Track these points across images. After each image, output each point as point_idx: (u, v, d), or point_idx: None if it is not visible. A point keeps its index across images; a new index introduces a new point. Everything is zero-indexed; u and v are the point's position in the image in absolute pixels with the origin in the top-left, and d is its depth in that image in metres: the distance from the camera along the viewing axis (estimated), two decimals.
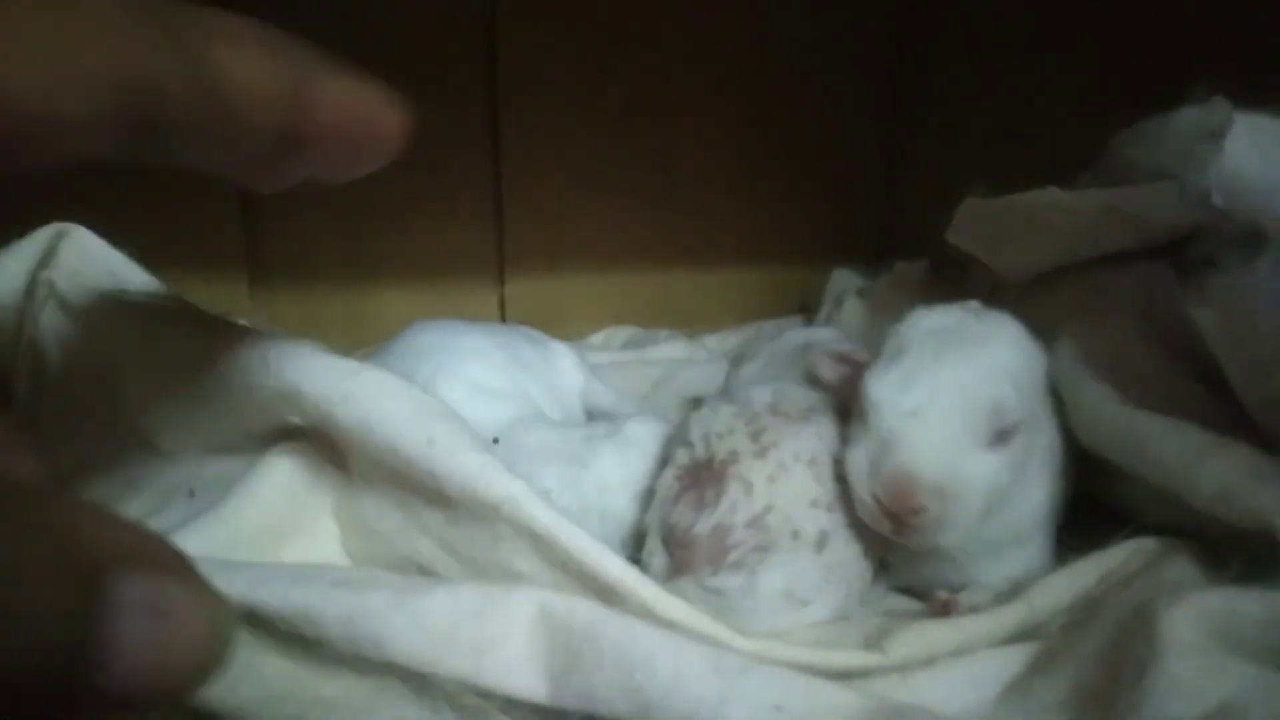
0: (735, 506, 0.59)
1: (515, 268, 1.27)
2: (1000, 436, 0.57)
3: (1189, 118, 0.66)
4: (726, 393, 0.76)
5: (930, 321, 0.62)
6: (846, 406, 0.65)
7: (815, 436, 0.62)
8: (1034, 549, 0.64)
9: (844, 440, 0.62)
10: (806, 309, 1.33)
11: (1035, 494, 0.62)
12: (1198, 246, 0.72)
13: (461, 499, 0.52)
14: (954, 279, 0.96)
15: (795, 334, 0.88)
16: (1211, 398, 0.67)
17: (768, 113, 1.34)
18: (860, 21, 1.36)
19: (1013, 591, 0.63)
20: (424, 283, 1.23)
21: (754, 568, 0.58)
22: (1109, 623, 0.52)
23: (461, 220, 1.25)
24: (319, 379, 0.54)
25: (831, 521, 0.59)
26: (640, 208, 1.30)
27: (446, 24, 1.19)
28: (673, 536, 0.61)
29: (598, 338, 1.28)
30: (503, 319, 1.28)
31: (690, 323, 1.32)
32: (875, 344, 1.00)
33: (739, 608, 0.58)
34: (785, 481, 0.59)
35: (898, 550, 0.62)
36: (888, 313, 1.00)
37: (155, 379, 0.60)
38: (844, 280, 1.22)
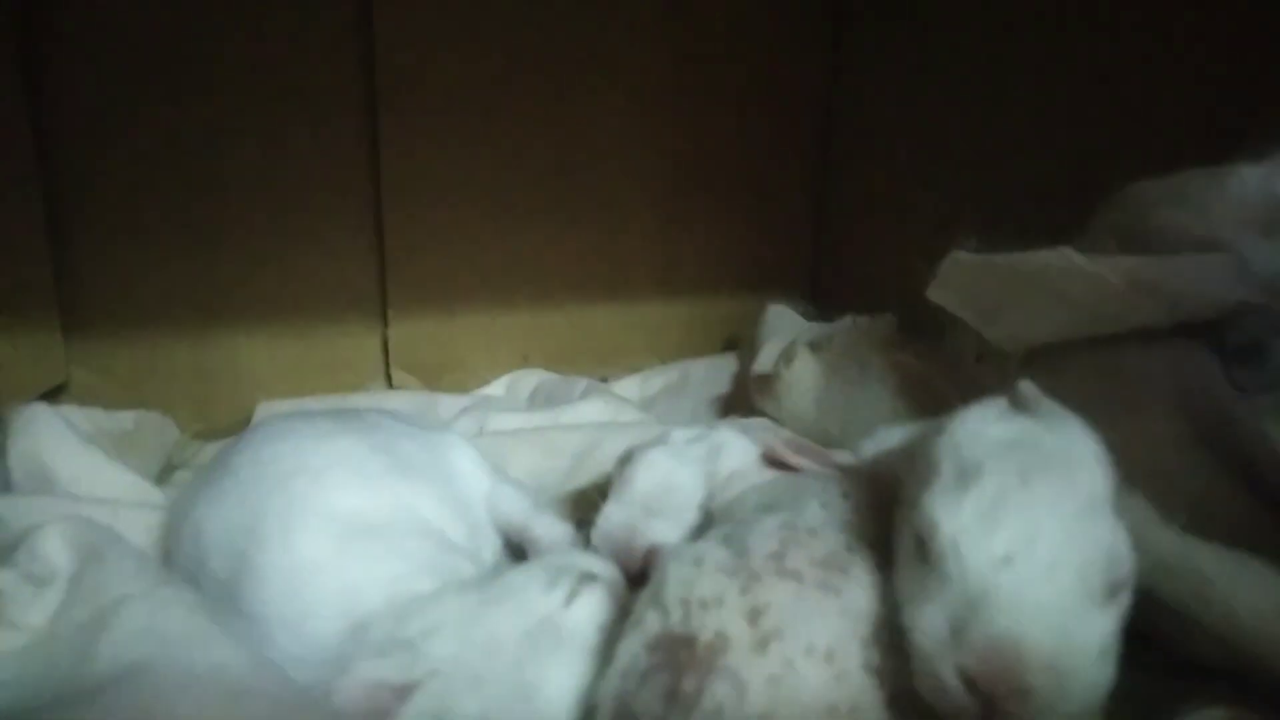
0: (720, 711, 0.45)
1: (400, 305, 1.11)
2: (1113, 589, 0.46)
3: (1251, 181, 0.56)
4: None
5: (996, 431, 0.50)
6: (883, 535, 0.52)
7: (838, 615, 0.49)
8: None
9: (898, 594, 0.49)
10: (735, 344, 1.21)
11: (1113, 659, 0.51)
12: (1242, 329, 0.62)
13: None
14: (929, 339, 0.84)
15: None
16: (1272, 523, 0.57)
17: (691, 129, 1.22)
18: (795, 45, 1.25)
19: None
20: (289, 327, 1.06)
21: None
22: None
23: (335, 251, 1.08)
24: None
25: None
26: (544, 234, 1.16)
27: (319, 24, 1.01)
28: None
29: (499, 385, 1.14)
30: (386, 366, 1.11)
31: (605, 363, 1.20)
32: (836, 411, 0.90)
33: None
34: (792, 686, 0.46)
35: None
36: (850, 375, 0.89)
37: None
38: (781, 318, 1.10)
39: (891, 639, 0.49)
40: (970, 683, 0.43)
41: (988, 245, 0.71)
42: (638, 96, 1.18)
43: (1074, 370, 0.69)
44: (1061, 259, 0.64)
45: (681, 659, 0.47)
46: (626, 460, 0.73)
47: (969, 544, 0.45)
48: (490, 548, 0.70)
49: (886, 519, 0.54)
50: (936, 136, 1.10)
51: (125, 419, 0.89)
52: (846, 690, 0.47)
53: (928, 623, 0.45)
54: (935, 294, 0.74)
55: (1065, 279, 0.65)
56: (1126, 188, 0.69)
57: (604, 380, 1.16)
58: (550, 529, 0.72)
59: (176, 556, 0.61)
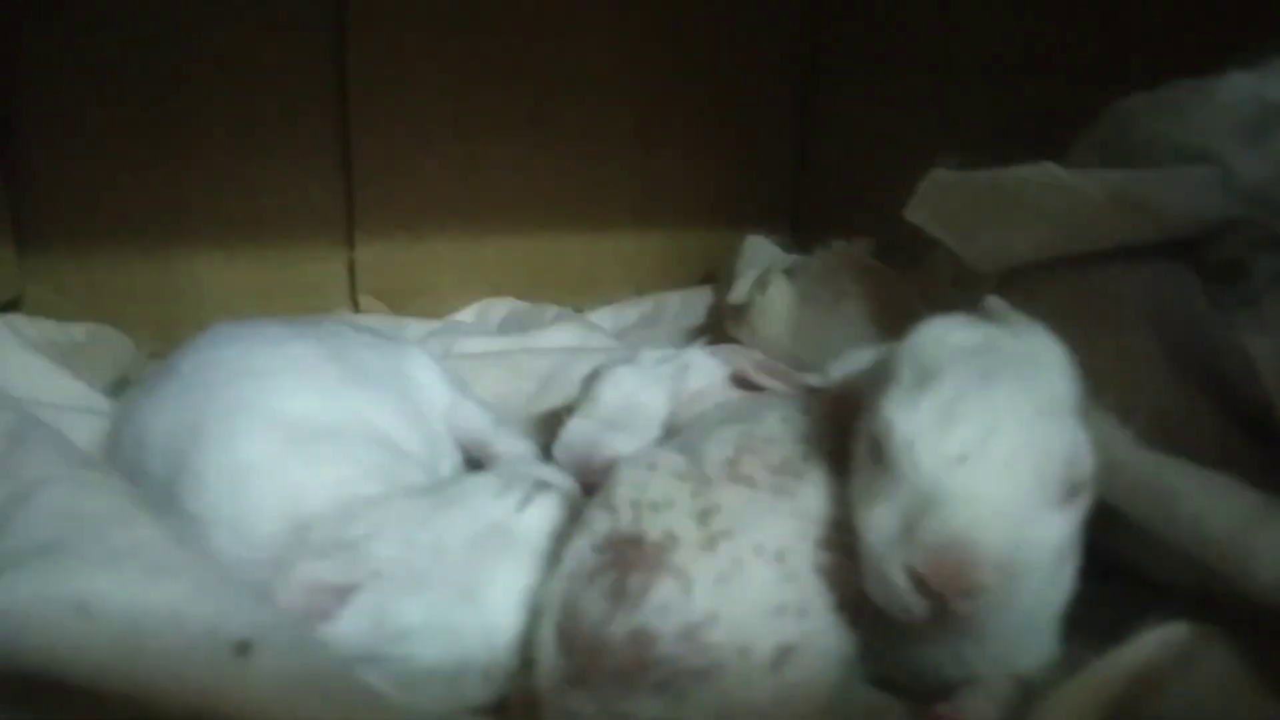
0: (666, 609, 0.44)
1: (367, 228, 1.08)
2: (1071, 492, 0.45)
3: (1241, 88, 0.54)
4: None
5: (958, 337, 0.49)
6: (842, 447, 0.51)
7: (789, 515, 0.48)
8: (1049, 633, 0.52)
9: (852, 497, 0.48)
10: (713, 278, 1.19)
11: (1071, 565, 0.50)
12: (1222, 246, 0.60)
13: None
14: (906, 262, 0.82)
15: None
16: (1247, 441, 0.56)
17: (671, 55, 1.18)
18: None
19: (1020, 697, 0.52)
20: (252, 248, 1.04)
21: (681, 694, 0.44)
22: None
23: (300, 169, 1.05)
24: None
25: (801, 631, 0.45)
26: (518, 159, 1.13)
27: None
28: (575, 631, 0.46)
29: (469, 314, 1.11)
30: (352, 291, 1.09)
31: (579, 295, 1.17)
32: (811, 338, 0.88)
33: None
34: (740, 584, 0.45)
35: (888, 634, 0.49)
36: (825, 300, 0.87)
37: None
38: (758, 249, 1.08)
39: (844, 543, 0.48)
40: (920, 582, 0.42)
41: (970, 167, 0.69)
42: (617, 21, 1.14)
43: (1050, 291, 0.68)
44: (1042, 173, 0.63)
45: (629, 557, 0.46)
46: (593, 377, 0.72)
47: (924, 443, 0.44)
48: (449, 462, 0.68)
49: (846, 434, 0.53)
50: (924, 64, 1.07)
51: (77, 331, 0.87)
52: (796, 590, 0.46)
53: (878, 522, 0.45)
54: (913, 213, 0.72)
55: (1045, 194, 0.63)
56: (1115, 103, 0.67)
57: (578, 311, 1.14)
58: (512, 445, 0.70)
59: (118, 460, 0.59)
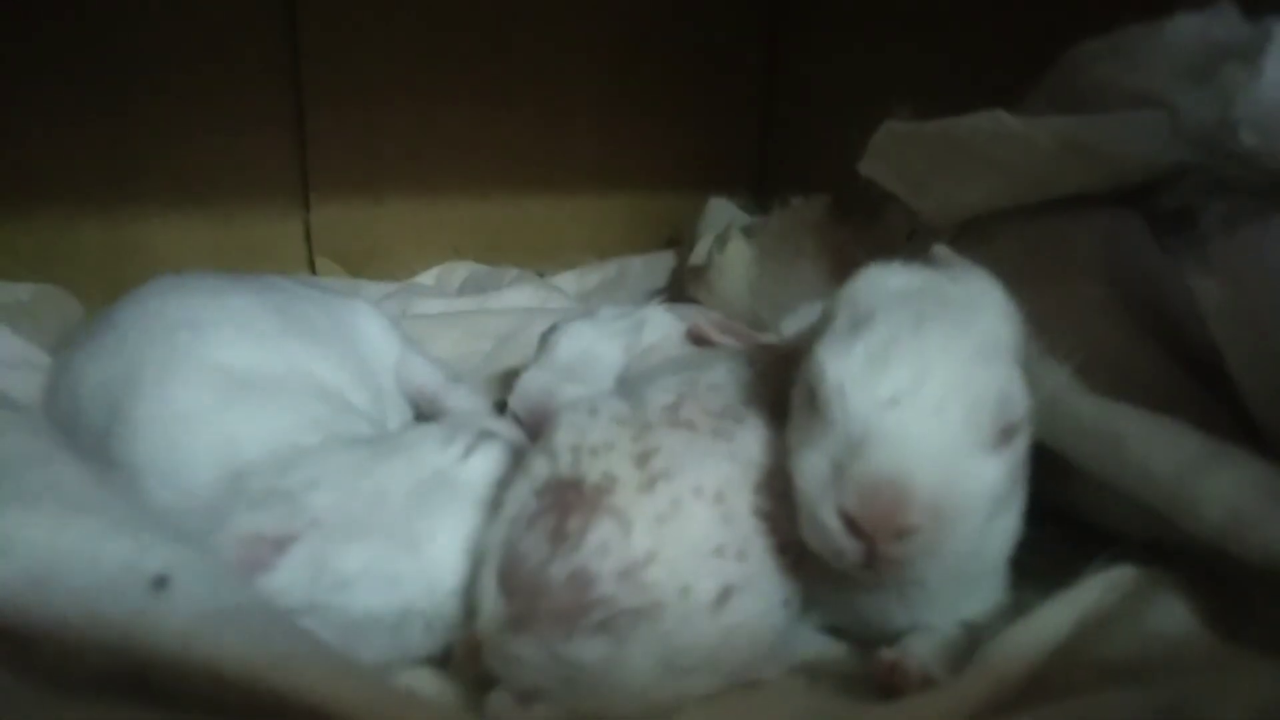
0: (605, 549, 0.44)
1: (322, 190, 1.07)
2: (1005, 435, 0.44)
3: (1188, 29, 0.54)
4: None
5: (895, 281, 0.48)
6: (784, 399, 0.50)
7: (728, 459, 0.47)
8: (996, 580, 0.52)
9: (788, 444, 0.47)
10: (677, 242, 1.18)
11: (1014, 511, 0.50)
12: (1173, 194, 0.60)
13: None
14: (863, 219, 0.82)
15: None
16: (1194, 384, 0.56)
17: (634, 12, 1.17)
18: None
19: (966, 641, 0.51)
20: (205, 210, 1.02)
21: (622, 635, 0.43)
22: (1108, 713, 0.40)
23: (253, 130, 1.03)
24: None
25: (741, 573, 0.45)
26: (477, 118, 1.12)
27: None
28: (516, 574, 0.46)
29: (428, 277, 1.10)
30: (309, 253, 1.07)
31: (542, 257, 1.16)
32: (769, 296, 0.88)
33: (598, 683, 0.44)
34: (679, 524, 0.45)
35: (832, 582, 0.48)
36: (783, 258, 0.87)
37: None
38: (722, 211, 1.08)
39: (782, 489, 0.47)
40: (852, 524, 0.42)
41: (924, 118, 0.69)
42: None
43: (1003, 241, 0.67)
44: (992, 121, 0.63)
45: (568, 500, 0.46)
46: (551, 330, 0.72)
47: (855, 387, 0.44)
48: (398, 418, 0.67)
49: (789, 386, 0.52)
50: (891, 22, 1.06)
51: (21, 290, 0.85)
52: (735, 532, 0.46)
53: (810, 466, 0.44)
54: (867, 166, 0.72)
55: (996, 142, 0.63)
56: (1068, 50, 0.67)
57: (540, 275, 1.13)
58: (464, 400, 0.69)
59: (54, 413, 0.58)
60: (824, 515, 0.43)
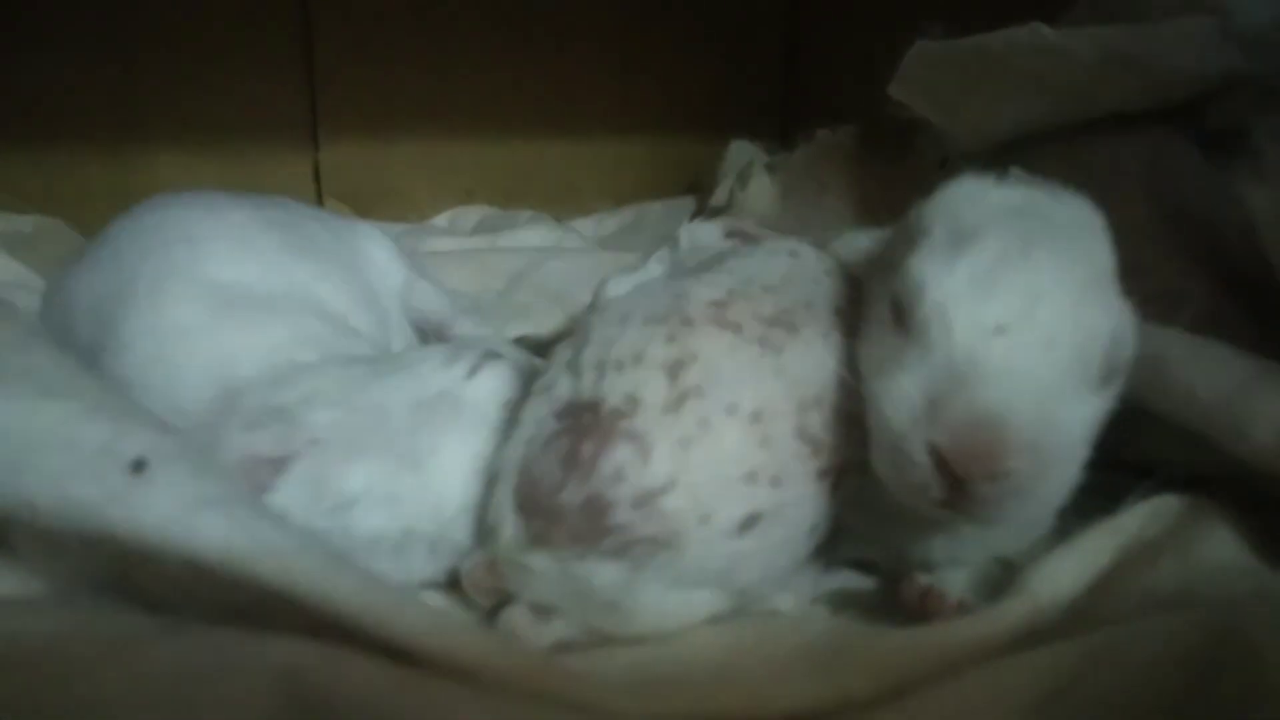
0: (620, 475, 0.42)
1: (332, 130, 1.05)
2: (1110, 376, 0.42)
3: None
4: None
5: (996, 196, 0.45)
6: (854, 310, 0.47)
7: (773, 374, 0.44)
8: (1049, 520, 0.50)
9: (863, 364, 0.44)
10: (699, 188, 1.16)
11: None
12: (1222, 109, 0.57)
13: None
14: (893, 150, 0.79)
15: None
16: (1243, 307, 0.54)
17: None
18: None
19: (1002, 574, 0.50)
20: (213, 151, 1.01)
21: (639, 561, 0.42)
22: (1154, 639, 0.38)
23: (261, 69, 1.01)
24: None
25: (773, 500, 0.43)
26: (490, 57, 1.09)
27: None
28: (532, 496, 0.44)
29: (441, 219, 1.09)
30: (318, 194, 1.06)
31: (558, 203, 1.14)
32: (794, 233, 0.85)
33: (613, 602, 0.42)
34: (704, 448, 0.42)
35: (874, 513, 0.46)
36: (808, 192, 0.85)
37: None
38: (743, 153, 1.05)
39: (840, 408, 0.45)
40: (942, 462, 0.39)
41: (957, 36, 0.66)
42: None
43: (1043, 164, 0.64)
44: (1030, 34, 0.60)
45: (583, 423, 0.44)
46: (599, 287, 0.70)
47: (959, 310, 0.40)
48: (401, 342, 0.65)
49: (858, 299, 0.49)
50: None
51: (23, 222, 0.84)
52: (771, 456, 0.43)
53: (900, 393, 0.41)
54: (897, 89, 0.69)
55: (1034, 56, 0.60)
56: None
57: (557, 222, 1.11)
58: (471, 327, 0.68)
59: (47, 327, 0.56)
60: (913, 449, 0.39)
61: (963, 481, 0.38)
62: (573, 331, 0.50)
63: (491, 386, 0.51)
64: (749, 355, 0.44)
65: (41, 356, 0.41)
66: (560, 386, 0.46)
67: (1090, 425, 0.42)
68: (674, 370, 0.43)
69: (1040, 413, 0.39)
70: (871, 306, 0.46)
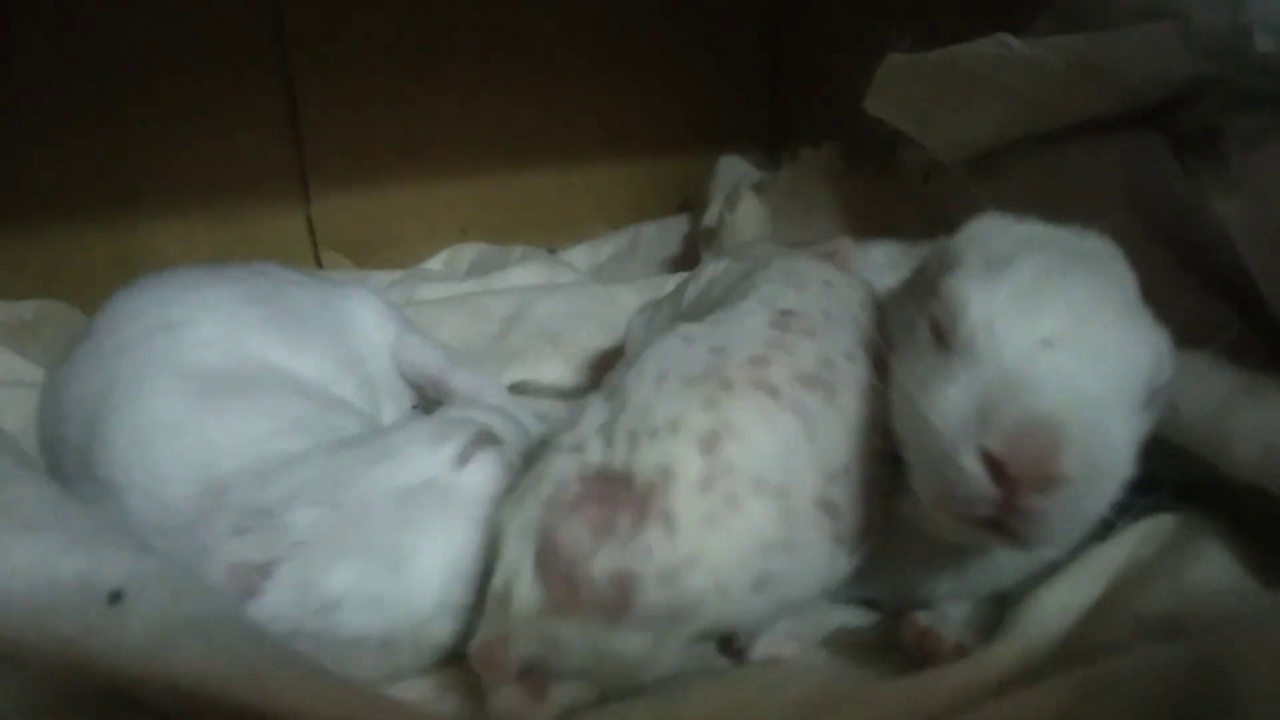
0: (650, 552, 0.41)
1: (321, 181, 1.06)
2: (1151, 399, 0.42)
3: None
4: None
5: (1020, 229, 0.47)
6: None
7: (806, 442, 0.44)
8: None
9: (904, 387, 0.44)
10: (690, 207, 1.16)
11: None
12: (1196, 112, 0.57)
13: None
14: (878, 164, 0.79)
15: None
16: (1225, 313, 0.54)
17: None
18: None
19: (989, 607, 0.50)
20: (207, 213, 1.02)
21: (661, 629, 0.42)
22: (1143, 677, 0.38)
23: (247, 127, 1.02)
24: None
25: (788, 565, 0.43)
26: (476, 93, 1.09)
27: None
28: (555, 561, 0.43)
29: (437, 261, 1.09)
30: (314, 246, 1.06)
31: (553, 231, 1.14)
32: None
33: (634, 666, 0.43)
34: (728, 526, 0.42)
35: (885, 552, 0.47)
36: (796, 212, 0.85)
37: None
38: (732, 169, 1.05)
39: (866, 475, 0.45)
40: (996, 467, 0.38)
41: (926, 48, 0.66)
42: None
43: (1020, 173, 0.65)
44: (997, 45, 0.60)
45: (618, 496, 0.43)
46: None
47: (1005, 324, 0.41)
48: (394, 406, 0.66)
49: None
50: None
51: (25, 309, 0.85)
52: (790, 527, 0.43)
53: (947, 404, 0.41)
54: (872, 104, 0.69)
55: (1002, 68, 0.60)
56: None
57: (551, 251, 1.11)
58: (469, 380, 0.68)
59: (43, 432, 0.58)
60: (964, 457, 0.39)
61: (1014, 493, 0.38)
62: (604, 382, 0.50)
63: (481, 479, 0.50)
64: (784, 426, 0.44)
65: (26, 488, 0.42)
66: (591, 451, 0.45)
67: (1134, 445, 0.41)
68: (709, 444, 0.43)
69: (1092, 422, 0.39)
70: (907, 333, 0.46)
